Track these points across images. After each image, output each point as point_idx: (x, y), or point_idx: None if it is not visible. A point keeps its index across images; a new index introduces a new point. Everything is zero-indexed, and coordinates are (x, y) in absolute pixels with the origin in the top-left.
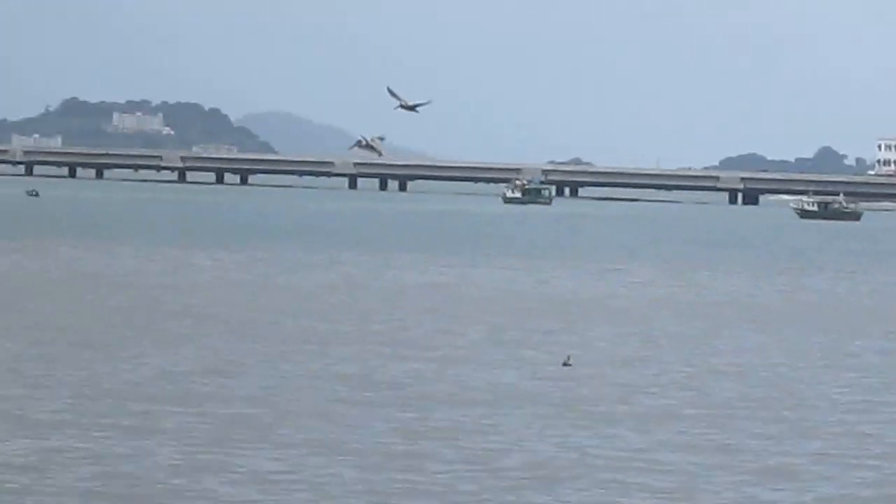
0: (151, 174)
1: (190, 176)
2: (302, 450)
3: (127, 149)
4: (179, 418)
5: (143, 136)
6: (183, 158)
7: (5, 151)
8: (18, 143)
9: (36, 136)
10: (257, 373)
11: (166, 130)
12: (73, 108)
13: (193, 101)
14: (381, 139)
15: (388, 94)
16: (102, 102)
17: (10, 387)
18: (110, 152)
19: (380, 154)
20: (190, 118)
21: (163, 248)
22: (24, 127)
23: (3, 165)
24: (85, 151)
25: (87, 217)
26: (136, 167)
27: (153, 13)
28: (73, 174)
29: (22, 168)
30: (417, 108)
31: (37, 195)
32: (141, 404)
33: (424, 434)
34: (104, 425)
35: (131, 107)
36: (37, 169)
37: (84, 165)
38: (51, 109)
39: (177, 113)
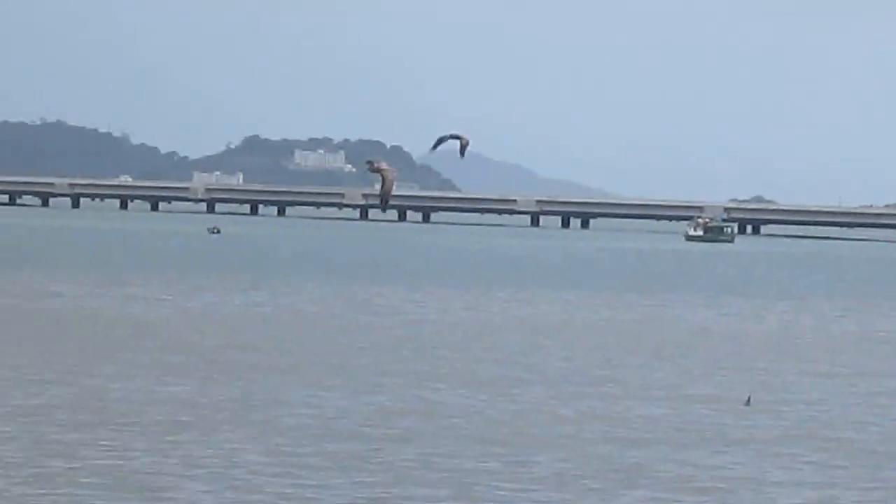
0: (333, 212)
1: (372, 213)
2: (483, 486)
3: (308, 186)
4: (354, 454)
5: (325, 173)
6: (365, 196)
7: (187, 189)
8: (200, 181)
9: (217, 173)
10: (455, 408)
11: (348, 168)
12: (254, 145)
13: (375, 138)
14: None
15: (435, 144)
16: (284, 140)
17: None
18: (292, 190)
19: (390, 170)
20: (372, 156)
21: (347, 286)
22: (206, 164)
23: (185, 203)
24: (266, 189)
25: (269, 254)
26: (318, 205)
27: (334, 52)
28: (254, 211)
29: (203, 205)
30: (461, 137)
31: (218, 232)
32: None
33: (602, 471)
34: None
35: (313, 144)
36: (218, 206)
37: (265, 203)
38: (232, 147)
39: (359, 150)
